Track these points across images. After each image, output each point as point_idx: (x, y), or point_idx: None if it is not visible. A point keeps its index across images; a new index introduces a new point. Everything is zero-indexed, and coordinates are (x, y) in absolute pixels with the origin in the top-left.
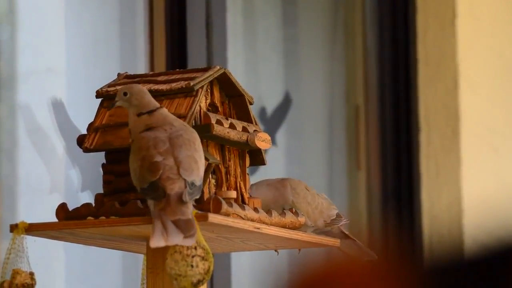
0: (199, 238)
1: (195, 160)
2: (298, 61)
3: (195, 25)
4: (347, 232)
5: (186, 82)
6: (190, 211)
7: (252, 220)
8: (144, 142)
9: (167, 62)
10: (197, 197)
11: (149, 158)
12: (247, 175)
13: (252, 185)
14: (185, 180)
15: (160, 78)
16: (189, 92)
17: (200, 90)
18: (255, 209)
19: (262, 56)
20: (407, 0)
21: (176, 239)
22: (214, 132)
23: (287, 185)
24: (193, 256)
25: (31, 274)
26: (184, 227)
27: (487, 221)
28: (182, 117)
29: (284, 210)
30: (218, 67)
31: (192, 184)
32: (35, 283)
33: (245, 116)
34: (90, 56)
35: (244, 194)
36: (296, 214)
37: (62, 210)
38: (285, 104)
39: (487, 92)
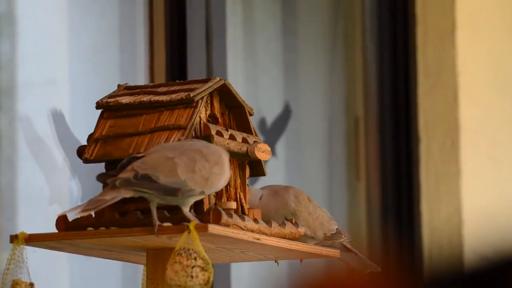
0: (198, 249)
1: (174, 163)
2: (298, 72)
3: (195, 36)
4: (349, 246)
5: (186, 93)
6: (116, 194)
7: (252, 231)
8: None
9: (167, 73)
10: (148, 191)
11: None
12: (247, 186)
13: (260, 188)
14: (136, 171)
15: (160, 89)
16: (189, 103)
17: (200, 101)
18: (255, 220)
19: (262, 67)
20: (407, 12)
21: (73, 211)
22: (214, 143)
23: (290, 193)
24: (193, 267)
25: (31, 284)
26: (91, 203)
27: (487, 232)
28: (182, 128)
29: (284, 221)
30: (218, 78)
31: (145, 176)
32: None
33: (245, 127)
34: (90, 67)
35: (244, 205)
36: (296, 225)
37: (62, 220)
38: (285, 115)
39: (486, 103)
